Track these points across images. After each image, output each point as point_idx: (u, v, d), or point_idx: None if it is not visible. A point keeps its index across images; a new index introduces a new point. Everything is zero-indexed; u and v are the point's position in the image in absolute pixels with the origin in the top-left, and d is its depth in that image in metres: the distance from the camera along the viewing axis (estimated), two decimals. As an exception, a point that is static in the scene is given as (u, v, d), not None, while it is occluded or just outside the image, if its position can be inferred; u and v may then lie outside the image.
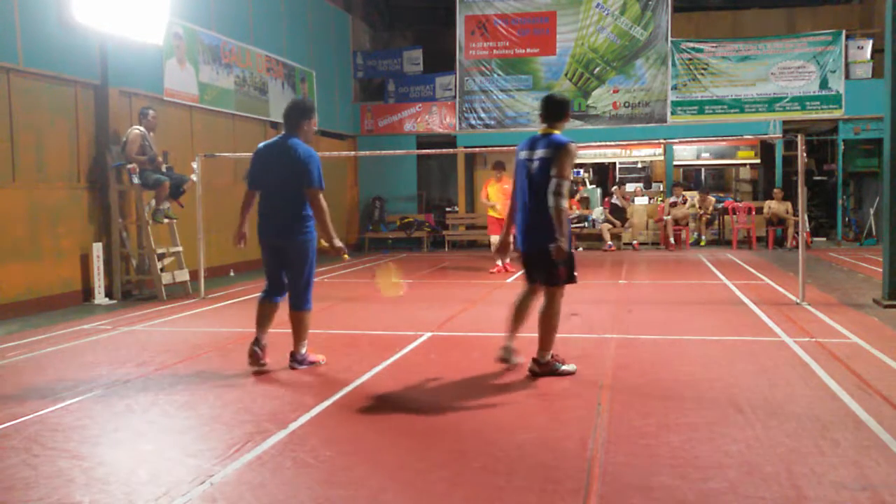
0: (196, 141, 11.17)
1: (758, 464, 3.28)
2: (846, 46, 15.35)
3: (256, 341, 5.19)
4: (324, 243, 5.23)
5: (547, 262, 4.68)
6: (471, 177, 18.35)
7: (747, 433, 3.68)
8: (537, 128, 4.98)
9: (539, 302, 4.92)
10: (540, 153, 4.73)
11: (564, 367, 4.87)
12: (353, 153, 16.21)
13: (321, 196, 5.07)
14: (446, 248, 16.64)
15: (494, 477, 3.21)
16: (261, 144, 5.35)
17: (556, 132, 4.83)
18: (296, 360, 5.21)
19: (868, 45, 15.52)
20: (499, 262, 11.22)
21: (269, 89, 13.27)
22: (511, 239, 5.23)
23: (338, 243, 5.17)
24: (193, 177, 9.19)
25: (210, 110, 11.48)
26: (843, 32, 15.38)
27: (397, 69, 17.40)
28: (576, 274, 4.85)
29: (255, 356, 5.14)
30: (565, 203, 4.60)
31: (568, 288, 4.90)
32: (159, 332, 6.85)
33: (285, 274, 5.20)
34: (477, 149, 15.55)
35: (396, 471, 3.31)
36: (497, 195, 11.29)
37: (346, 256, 5.32)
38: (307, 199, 5.06)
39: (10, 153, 8.05)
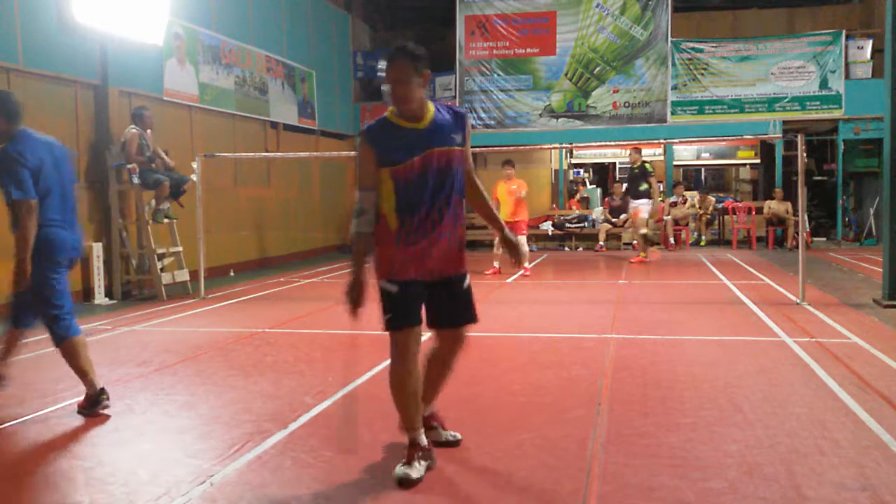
0: (196, 141, 11.16)
1: (758, 464, 3.28)
2: (846, 46, 15.32)
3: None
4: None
5: (465, 290, 3.57)
6: (470, 177, 18.34)
7: (747, 433, 3.67)
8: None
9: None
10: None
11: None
12: (353, 153, 16.17)
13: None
14: (446, 248, 16.61)
15: (495, 476, 3.21)
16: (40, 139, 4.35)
17: None
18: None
19: (868, 45, 15.50)
20: (496, 264, 11.07)
21: (269, 89, 13.27)
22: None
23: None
24: (193, 177, 9.18)
25: (210, 110, 11.48)
26: (843, 32, 15.35)
27: (397, 69, 17.37)
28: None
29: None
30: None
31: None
32: (159, 332, 6.85)
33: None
34: (477, 149, 15.50)
35: (396, 471, 3.30)
36: (503, 196, 10.97)
37: None
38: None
39: (10, 153, 8.04)
